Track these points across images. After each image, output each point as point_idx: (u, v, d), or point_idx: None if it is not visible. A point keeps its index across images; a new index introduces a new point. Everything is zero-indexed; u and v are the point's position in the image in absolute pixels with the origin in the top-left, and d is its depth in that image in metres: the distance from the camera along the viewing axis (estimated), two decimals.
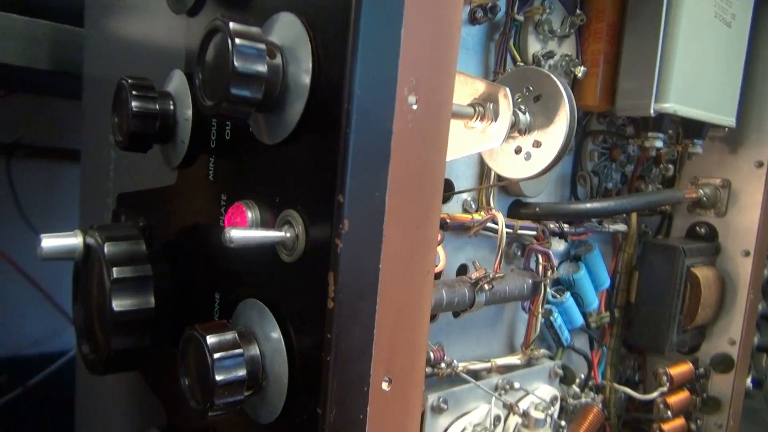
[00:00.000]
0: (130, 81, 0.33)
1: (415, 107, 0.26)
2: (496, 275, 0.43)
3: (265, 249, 0.27)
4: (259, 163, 0.29)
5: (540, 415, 0.45)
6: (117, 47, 0.49)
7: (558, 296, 0.54)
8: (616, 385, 0.60)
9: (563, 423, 0.52)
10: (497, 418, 0.48)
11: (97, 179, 0.50)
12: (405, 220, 0.26)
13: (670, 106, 0.47)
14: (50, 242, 0.35)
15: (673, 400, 0.59)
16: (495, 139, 0.36)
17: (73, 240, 0.36)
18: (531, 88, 0.38)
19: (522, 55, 0.47)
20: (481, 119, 0.36)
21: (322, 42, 0.25)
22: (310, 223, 0.26)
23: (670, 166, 0.63)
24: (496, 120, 0.36)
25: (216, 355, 0.26)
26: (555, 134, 0.37)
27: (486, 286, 0.43)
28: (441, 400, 0.44)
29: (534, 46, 0.47)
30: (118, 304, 0.33)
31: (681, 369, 0.59)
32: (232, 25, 0.24)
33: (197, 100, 0.26)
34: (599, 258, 0.56)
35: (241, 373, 0.26)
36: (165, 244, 0.38)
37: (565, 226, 0.52)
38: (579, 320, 0.55)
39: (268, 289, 0.28)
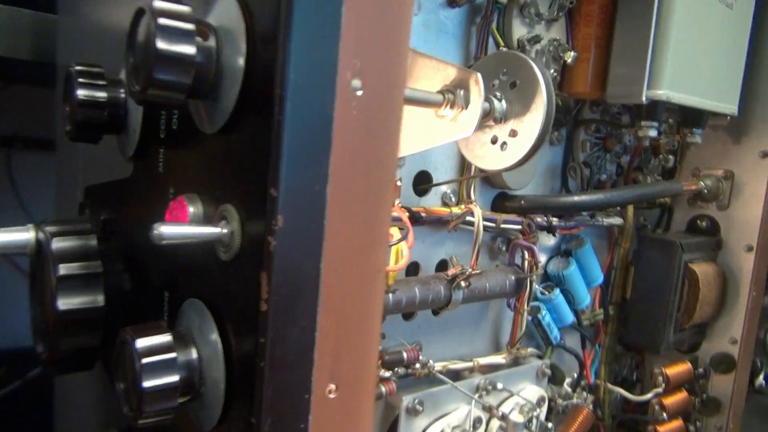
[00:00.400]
0: (77, 68, 0.32)
1: (360, 93, 0.23)
2: (473, 272, 0.41)
3: (205, 246, 0.26)
4: (201, 153, 0.27)
5: (520, 419, 0.43)
6: (88, 34, 0.47)
7: (546, 293, 0.52)
8: (610, 386, 0.58)
9: (550, 425, 0.50)
10: (478, 420, 0.46)
11: (69, 171, 0.49)
12: (350, 216, 0.24)
13: (663, 93, 0.44)
14: (4, 237, 0.33)
15: (670, 401, 0.57)
16: (466, 129, 0.33)
17: (24, 235, 0.34)
18: (507, 74, 0.36)
19: (506, 40, 0.45)
20: (451, 107, 0.34)
21: (257, 22, 0.23)
22: (245, 219, 0.24)
23: (671, 156, 0.61)
24: (467, 108, 0.33)
25: (144, 360, 0.24)
26: (531, 123, 0.35)
27: (462, 283, 0.41)
28: (416, 401, 0.42)
29: (519, 31, 0.45)
30: (63, 303, 0.31)
31: (678, 369, 0.57)
32: (156, 3, 0.22)
33: (128, 86, 0.24)
34: (591, 253, 0.54)
35: (173, 378, 0.24)
36: (122, 240, 0.36)
37: (554, 220, 0.50)
38: (569, 318, 0.53)
39: (208, 289, 0.27)
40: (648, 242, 0.56)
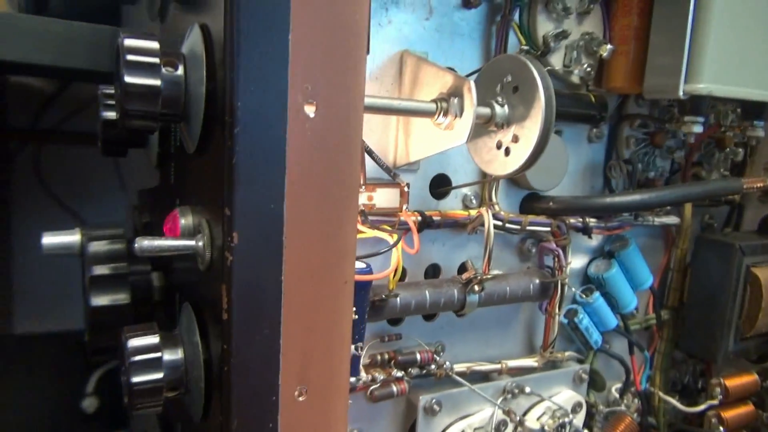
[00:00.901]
0: (103, 91, 0.35)
1: (312, 115, 0.25)
2: (486, 276, 0.40)
3: (188, 258, 0.28)
4: (188, 170, 0.30)
5: (536, 426, 0.43)
6: None
7: (585, 296, 0.50)
8: (662, 394, 0.54)
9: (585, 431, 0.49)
10: (503, 423, 0.45)
11: (130, 176, 0.54)
12: (310, 231, 0.26)
13: (704, 86, 0.41)
14: (49, 239, 0.38)
15: (731, 413, 0.53)
16: (459, 137, 0.33)
17: (70, 238, 0.39)
18: (510, 78, 0.35)
19: (529, 38, 0.43)
20: (445, 115, 0.34)
21: (215, 47, 0.25)
22: (213, 235, 0.26)
23: (740, 150, 0.56)
24: (460, 116, 0.33)
25: (133, 358, 0.27)
26: (531, 128, 0.34)
27: (476, 287, 0.41)
28: (434, 401, 0.43)
29: (545, 27, 0.44)
30: (95, 299, 0.35)
31: (741, 380, 0.53)
32: (126, 40, 0.25)
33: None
34: (637, 254, 0.51)
35: (157, 376, 0.27)
36: None
37: (592, 221, 0.48)
38: (612, 322, 0.51)
39: (195, 295, 0.29)
40: (704, 244, 0.52)
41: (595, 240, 0.51)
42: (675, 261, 0.55)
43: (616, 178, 0.49)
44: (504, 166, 0.36)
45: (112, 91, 0.35)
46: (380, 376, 0.40)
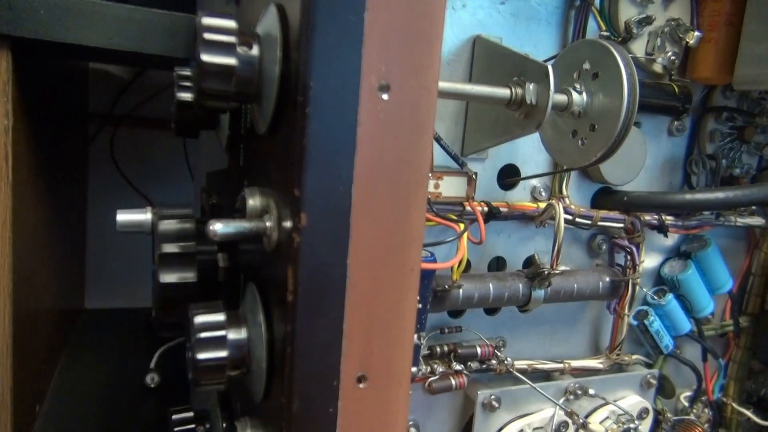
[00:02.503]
0: (179, 73, 0.36)
1: (386, 97, 0.24)
2: (553, 271, 0.39)
3: (255, 239, 0.28)
4: (258, 152, 0.30)
5: (600, 429, 0.41)
6: None
7: (657, 298, 0.47)
8: (735, 405, 0.51)
9: None
10: (564, 425, 0.44)
11: (197, 157, 0.55)
12: (378, 216, 0.25)
13: None
14: (123, 217, 0.39)
15: None
16: (533, 125, 0.32)
17: (142, 216, 0.40)
18: (588, 65, 0.33)
19: (610, 23, 0.41)
20: (519, 102, 0.32)
21: (291, 28, 0.24)
22: (281, 216, 0.26)
23: None
24: (536, 103, 0.32)
25: (199, 335, 0.27)
26: (611, 118, 0.32)
27: (543, 283, 0.39)
28: (492, 397, 0.42)
29: (627, 12, 0.41)
30: (164, 276, 0.36)
31: None
32: (204, 19, 0.25)
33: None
34: (717, 256, 0.48)
35: (222, 354, 0.27)
36: None
37: (669, 219, 0.46)
38: (686, 326, 0.48)
39: (259, 276, 0.29)
40: None
41: (671, 239, 0.49)
42: (757, 265, 0.52)
43: (698, 174, 0.46)
44: (579, 156, 0.34)
45: (188, 73, 0.36)
46: (439, 368, 0.39)
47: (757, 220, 0.50)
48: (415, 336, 0.34)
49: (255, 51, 0.26)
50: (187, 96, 0.35)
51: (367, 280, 0.26)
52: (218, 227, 0.26)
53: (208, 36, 0.24)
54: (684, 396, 0.52)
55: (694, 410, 0.51)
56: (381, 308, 0.26)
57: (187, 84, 0.36)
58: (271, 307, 0.28)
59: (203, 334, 0.27)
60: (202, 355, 0.27)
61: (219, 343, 0.28)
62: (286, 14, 0.25)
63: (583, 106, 0.34)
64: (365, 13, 0.23)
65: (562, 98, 0.33)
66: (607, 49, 0.32)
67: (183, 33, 0.73)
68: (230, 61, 0.25)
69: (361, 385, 0.27)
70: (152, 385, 1.09)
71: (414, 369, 0.37)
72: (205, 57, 0.24)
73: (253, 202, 0.29)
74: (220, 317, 0.28)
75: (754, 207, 0.48)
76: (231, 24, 0.25)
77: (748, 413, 0.50)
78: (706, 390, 0.51)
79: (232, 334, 0.28)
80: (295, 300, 0.25)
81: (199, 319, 0.28)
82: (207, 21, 0.25)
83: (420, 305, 0.32)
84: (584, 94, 0.34)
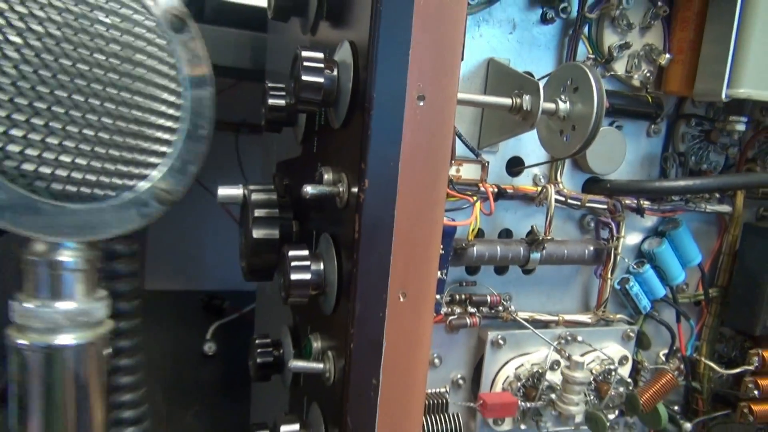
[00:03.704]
0: (269, 85, 0.49)
1: (422, 104, 0.37)
2: (546, 238, 0.51)
3: (331, 199, 0.41)
4: (332, 141, 0.43)
5: (581, 359, 0.52)
6: (283, 50, 0.66)
7: (637, 267, 0.59)
8: (705, 360, 0.62)
9: (629, 380, 0.58)
10: (556, 363, 0.56)
11: (269, 150, 0.69)
12: (414, 183, 0.38)
13: (744, 91, 0.49)
14: (224, 191, 0.53)
15: (767, 382, 0.60)
16: (528, 126, 0.44)
17: (237, 191, 0.53)
18: (571, 81, 0.45)
19: (597, 48, 0.53)
20: (518, 108, 0.45)
21: (360, 59, 0.37)
22: (350, 182, 0.38)
23: None
24: (530, 109, 0.44)
25: (292, 263, 0.40)
26: (586, 120, 0.44)
27: (538, 247, 0.51)
28: (499, 337, 0.54)
29: (610, 39, 0.53)
30: (256, 233, 0.49)
31: None
32: (303, 52, 0.38)
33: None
34: (687, 235, 0.59)
35: (307, 276, 0.40)
36: (295, 198, 0.54)
37: (646, 203, 0.57)
38: (660, 291, 0.59)
39: (332, 227, 0.42)
40: (749, 230, 0.59)
41: (650, 221, 0.60)
42: (726, 245, 0.62)
43: (669, 168, 0.58)
44: (564, 149, 0.46)
45: (277, 85, 0.49)
46: (458, 309, 0.52)
47: (724, 208, 0.61)
48: (439, 272, 0.46)
49: (335, 72, 0.39)
50: (276, 102, 0.49)
51: (406, 227, 0.38)
52: (309, 189, 0.39)
53: (306, 63, 0.37)
54: (662, 353, 0.63)
55: (670, 364, 0.62)
56: (416, 246, 0.39)
57: (276, 93, 0.49)
58: (340, 248, 0.41)
59: (294, 263, 0.40)
60: (293, 276, 0.40)
61: (305, 269, 0.41)
62: (356, 48, 0.38)
63: (567, 112, 0.46)
64: (410, 50, 0.36)
65: (551, 105, 0.45)
66: (585, 71, 0.44)
67: (248, 47, 0.88)
68: (320, 79, 0.38)
69: (401, 299, 0.39)
70: (210, 353, 1.25)
71: (438, 296, 0.49)
72: (305, 77, 0.37)
73: (328, 175, 0.42)
74: (305, 252, 0.41)
75: (718, 195, 0.59)
76: (320, 55, 0.38)
77: (712, 364, 0.61)
78: (680, 347, 0.62)
79: (314, 265, 0.41)
80: (359, 237, 0.37)
81: (292, 252, 0.41)
82: (305, 54, 0.38)
83: (443, 252, 0.45)
84: (568, 103, 0.46)
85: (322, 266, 0.41)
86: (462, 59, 0.43)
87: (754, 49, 0.49)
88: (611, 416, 0.58)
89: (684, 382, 0.63)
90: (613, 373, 0.57)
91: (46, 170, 0.32)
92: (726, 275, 0.63)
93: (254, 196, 0.51)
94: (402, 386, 0.40)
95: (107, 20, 0.33)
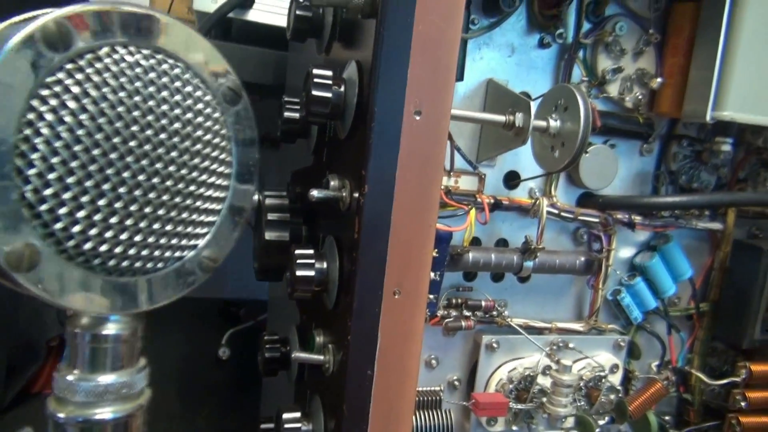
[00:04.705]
0: (286, 99, 0.54)
1: (418, 118, 0.41)
2: (538, 247, 0.54)
3: (335, 203, 0.45)
4: (339, 150, 0.47)
5: (568, 362, 0.55)
6: (301, 67, 0.71)
7: (629, 280, 0.62)
8: (695, 372, 0.64)
9: (619, 387, 0.61)
10: (548, 368, 0.59)
11: (284, 161, 0.73)
12: (410, 188, 0.41)
13: (728, 114, 0.52)
14: None
15: (756, 395, 0.62)
16: (520, 141, 0.48)
17: (253, 197, 0.57)
18: (562, 101, 0.49)
19: (591, 71, 0.57)
20: (511, 125, 0.48)
21: (364, 77, 0.41)
22: (352, 188, 0.42)
23: None
24: (521, 126, 0.48)
25: (298, 261, 0.44)
26: (574, 137, 0.48)
27: (531, 256, 0.55)
28: (493, 341, 0.57)
29: (604, 63, 0.57)
30: (268, 235, 0.53)
31: (766, 367, 0.61)
32: (314, 70, 0.42)
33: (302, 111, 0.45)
34: (677, 250, 0.62)
35: (311, 273, 0.44)
36: (305, 204, 0.58)
37: (638, 218, 0.60)
38: (651, 303, 0.62)
39: (335, 229, 0.46)
40: (739, 247, 0.62)
41: (643, 236, 0.63)
42: (718, 261, 0.65)
43: (661, 186, 0.61)
44: (554, 164, 0.50)
45: (292, 99, 0.54)
46: (453, 312, 0.55)
47: (715, 225, 0.64)
48: (433, 274, 0.49)
49: (342, 89, 0.43)
50: (291, 114, 0.53)
51: (402, 230, 0.42)
52: (315, 193, 0.43)
53: (317, 80, 0.42)
54: (654, 364, 0.66)
55: (661, 374, 0.65)
56: (411, 247, 0.43)
57: (292, 106, 0.53)
58: (342, 248, 0.44)
59: (300, 260, 0.44)
60: (299, 273, 0.44)
61: (310, 266, 0.44)
62: (362, 67, 0.42)
63: (557, 129, 0.49)
64: (408, 70, 0.40)
65: (542, 123, 0.49)
66: (573, 92, 0.48)
67: (271, 65, 0.94)
68: (328, 95, 0.42)
69: (396, 296, 0.43)
70: (224, 358, 1.30)
71: (433, 297, 0.53)
72: (315, 92, 0.42)
73: (334, 182, 0.46)
74: (311, 251, 0.45)
75: (708, 213, 0.62)
76: (329, 73, 0.43)
77: (701, 375, 0.63)
78: (671, 359, 0.65)
79: (318, 263, 0.45)
80: (359, 237, 0.41)
81: (298, 251, 0.45)
82: (316, 71, 0.42)
83: (438, 255, 0.48)
84: (558, 121, 0.49)
85: (325, 265, 0.45)
86: (461, 79, 0.48)
87: (738, 74, 0.52)
88: (601, 422, 0.61)
89: (675, 392, 0.66)
90: (603, 380, 0.59)
91: (104, 248, 0.31)
92: (717, 290, 0.65)
93: (268, 201, 0.55)
94: (395, 377, 0.44)
95: (172, 99, 0.33)
